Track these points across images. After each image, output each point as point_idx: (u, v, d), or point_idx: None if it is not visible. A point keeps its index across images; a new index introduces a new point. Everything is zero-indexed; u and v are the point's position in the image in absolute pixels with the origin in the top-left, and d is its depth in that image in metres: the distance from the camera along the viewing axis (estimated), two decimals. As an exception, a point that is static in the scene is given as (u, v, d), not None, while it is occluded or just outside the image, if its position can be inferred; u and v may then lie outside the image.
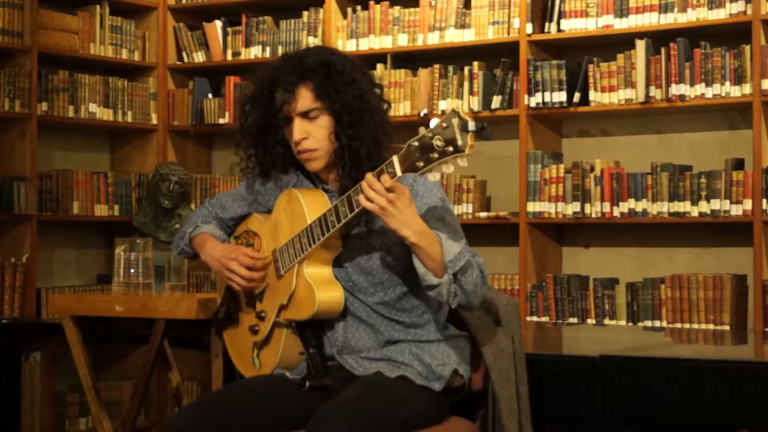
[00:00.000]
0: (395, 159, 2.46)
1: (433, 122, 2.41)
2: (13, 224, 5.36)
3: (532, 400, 2.83)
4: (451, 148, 2.37)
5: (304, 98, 2.69)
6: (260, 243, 2.85)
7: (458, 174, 5.26)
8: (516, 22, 5.12)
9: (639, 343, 4.16)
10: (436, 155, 2.39)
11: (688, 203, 4.77)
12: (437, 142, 2.39)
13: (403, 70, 5.42)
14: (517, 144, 5.14)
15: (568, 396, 3.17)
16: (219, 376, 3.18)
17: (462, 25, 5.28)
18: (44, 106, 5.48)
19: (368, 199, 2.50)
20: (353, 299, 2.72)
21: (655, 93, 4.84)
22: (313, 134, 2.69)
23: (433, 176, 2.43)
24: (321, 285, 2.67)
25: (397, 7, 5.45)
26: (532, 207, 5.08)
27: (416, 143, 2.42)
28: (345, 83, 2.69)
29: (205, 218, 2.99)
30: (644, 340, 4.31)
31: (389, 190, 2.47)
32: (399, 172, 2.45)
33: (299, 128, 2.69)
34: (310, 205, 2.70)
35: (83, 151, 5.98)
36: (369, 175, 2.50)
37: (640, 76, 4.86)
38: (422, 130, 2.42)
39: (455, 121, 2.37)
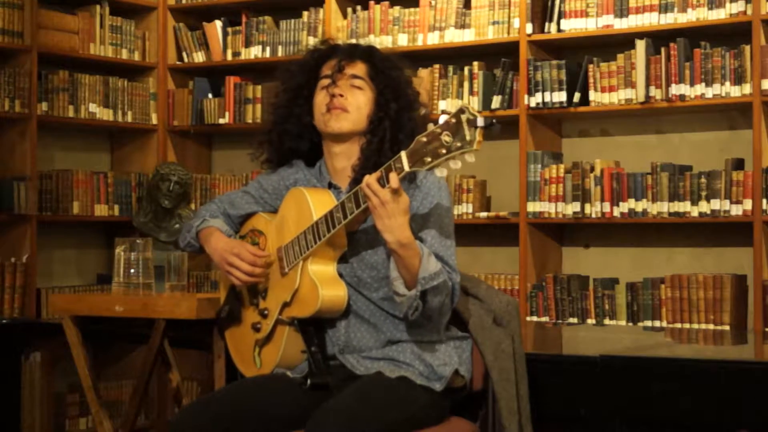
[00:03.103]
0: (403, 154, 2.48)
1: (442, 118, 2.43)
2: (13, 224, 5.35)
3: (532, 400, 2.83)
4: (458, 144, 2.40)
5: (359, 67, 2.78)
6: (266, 242, 2.86)
7: (458, 174, 5.26)
8: (516, 22, 5.12)
9: (639, 343, 4.16)
10: (443, 151, 2.41)
11: (688, 203, 4.77)
12: (445, 138, 2.41)
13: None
14: (517, 144, 5.14)
15: (568, 396, 3.17)
16: (221, 376, 3.18)
17: (462, 25, 5.28)
18: (44, 106, 5.48)
19: (365, 195, 2.53)
20: (358, 296, 2.72)
21: (655, 93, 4.84)
22: (350, 97, 2.76)
23: (440, 171, 2.45)
24: (325, 283, 2.68)
25: (397, 7, 5.46)
26: (532, 207, 5.08)
27: (424, 139, 2.44)
28: (399, 76, 2.81)
29: (213, 213, 3.00)
30: (644, 340, 4.31)
31: (394, 191, 2.48)
32: (407, 167, 2.47)
33: (342, 85, 2.76)
34: (317, 203, 2.71)
35: (83, 151, 5.98)
36: (372, 175, 2.51)
37: (640, 76, 4.86)
38: (431, 126, 2.44)
39: (464, 116, 2.39)
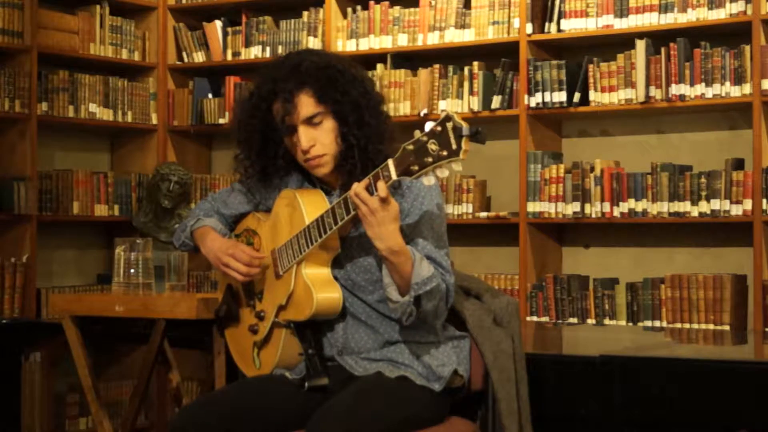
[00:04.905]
0: (390, 162, 2.46)
1: (428, 126, 2.40)
2: (13, 224, 5.35)
3: (532, 400, 2.83)
4: (445, 153, 2.37)
5: (306, 105, 2.67)
6: (260, 242, 2.85)
7: (458, 174, 5.26)
8: (516, 22, 5.12)
9: (639, 343, 4.16)
10: (430, 159, 2.39)
11: (688, 203, 4.77)
12: (432, 146, 2.38)
13: (403, 70, 5.42)
14: (517, 144, 5.14)
15: (568, 396, 3.17)
16: (222, 374, 3.18)
17: (462, 25, 5.28)
18: (44, 106, 5.48)
19: (354, 203, 2.51)
20: (353, 299, 2.72)
21: (655, 93, 4.84)
22: (319, 140, 2.68)
23: (428, 180, 2.43)
24: (319, 286, 2.67)
25: (397, 7, 5.45)
26: (532, 207, 5.08)
27: (411, 147, 2.42)
28: (346, 83, 2.69)
29: (207, 212, 3.00)
30: (644, 340, 4.31)
31: (383, 199, 2.47)
32: (394, 176, 2.45)
33: (305, 136, 2.67)
34: (309, 205, 2.70)
35: (83, 151, 5.98)
36: (361, 183, 2.50)
37: (640, 76, 4.86)
38: (417, 134, 2.42)
39: (449, 125, 2.36)
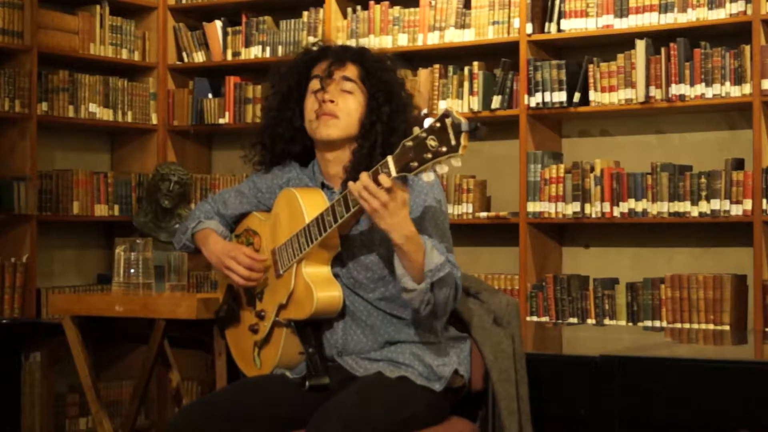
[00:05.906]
0: (390, 159, 2.45)
1: (427, 122, 2.40)
2: (13, 224, 5.36)
3: (532, 400, 2.83)
4: (444, 149, 2.37)
5: (350, 70, 2.74)
6: (260, 242, 2.85)
7: (458, 174, 5.27)
8: (516, 22, 5.12)
9: (639, 343, 4.16)
10: (429, 155, 2.39)
11: (688, 203, 4.77)
12: (431, 142, 2.38)
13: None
14: (517, 144, 5.14)
15: (568, 396, 3.16)
16: (223, 374, 3.18)
17: (462, 25, 5.28)
18: (44, 106, 5.48)
19: (362, 199, 2.49)
20: (355, 297, 2.72)
21: (655, 93, 4.84)
22: (341, 103, 2.72)
23: (428, 176, 2.42)
24: (319, 284, 2.67)
25: (397, 7, 5.46)
26: (532, 207, 5.08)
27: (410, 143, 2.42)
28: (393, 81, 2.75)
29: (208, 213, 2.99)
30: (644, 340, 4.31)
31: (388, 190, 2.47)
32: (394, 172, 2.44)
33: (332, 90, 2.72)
34: (308, 204, 2.70)
35: (83, 151, 5.98)
36: (364, 175, 2.49)
37: (640, 76, 4.86)
38: (416, 130, 2.42)
39: (448, 121, 2.36)
